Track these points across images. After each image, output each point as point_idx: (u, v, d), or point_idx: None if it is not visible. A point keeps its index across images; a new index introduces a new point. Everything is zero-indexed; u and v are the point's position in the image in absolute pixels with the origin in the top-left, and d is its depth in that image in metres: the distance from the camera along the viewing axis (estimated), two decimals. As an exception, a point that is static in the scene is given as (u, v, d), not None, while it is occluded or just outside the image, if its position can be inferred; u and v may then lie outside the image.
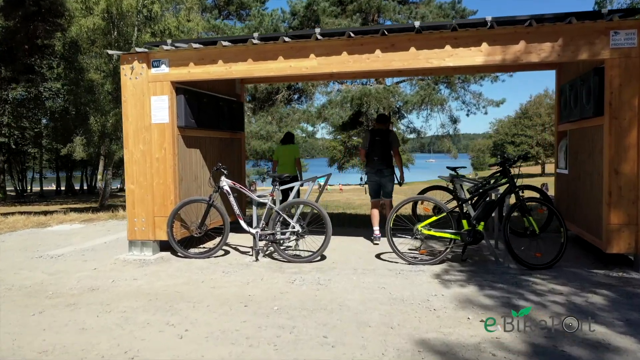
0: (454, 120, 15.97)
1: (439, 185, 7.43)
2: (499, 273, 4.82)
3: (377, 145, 6.51)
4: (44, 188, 48.04)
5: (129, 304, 4.03)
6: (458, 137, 17.63)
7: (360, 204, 29.89)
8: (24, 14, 20.37)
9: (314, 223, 5.69)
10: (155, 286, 4.56)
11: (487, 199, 5.52)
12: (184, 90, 5.86)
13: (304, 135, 32.63)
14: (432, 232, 5.21)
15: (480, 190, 5.27)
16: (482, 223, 5.12)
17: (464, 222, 5.20)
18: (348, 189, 48.33)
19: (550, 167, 59.09)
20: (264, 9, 18.61)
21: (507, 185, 5.15)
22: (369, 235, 7.10)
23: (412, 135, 17.19)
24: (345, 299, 4.03)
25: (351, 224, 8.30)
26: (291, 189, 6.14)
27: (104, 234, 7.59)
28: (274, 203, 5.69)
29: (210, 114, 6.48)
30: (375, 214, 6.68)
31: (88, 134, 22.88)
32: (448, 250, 5.18)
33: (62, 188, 46.04)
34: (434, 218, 5.21)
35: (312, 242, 5.60)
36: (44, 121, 28.36)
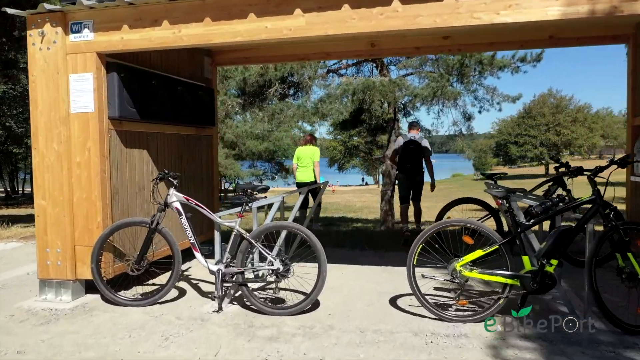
0: (468, 117, 14.20)
1: (467, 198, 5.73)
2: (586, 342, 3.10)
3: (410, 152, 6.67)
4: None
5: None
6: (470, 135, 15.88)
7: (361, 206, 28.38)
8: (-3, 2, 18.71)
9: (302, 253, 4.00)
10: (42, 370, 2.85)
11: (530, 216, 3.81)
12: (119, 66, 4.15)
13: (302, 134, 30.88)
14: (476, 275, 3.48)
15: (550, 212, 3.51)
16: (555, 261, 3.40)
17: (525, 259, 3.48)
18: (348, 190, 46.67)
19: (553, 168, 57.51)
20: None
21: (592, 204, 3.41)
22: (376, 260, 5.47)
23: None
24: (349, 415, 2.31)
25: (354, 242, 6.57)
26: (311, 198, 4.80)
27: (34, 260, 5.85)
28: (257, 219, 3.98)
29: (163, 101, 4.76)
30: (405, 213, 6.92)
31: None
32: (501, 302, 3.45)
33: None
34: (479, 253, 3.49)
35: (299, 272, 3.89)
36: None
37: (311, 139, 8.17)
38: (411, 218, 7.16)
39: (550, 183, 5.16)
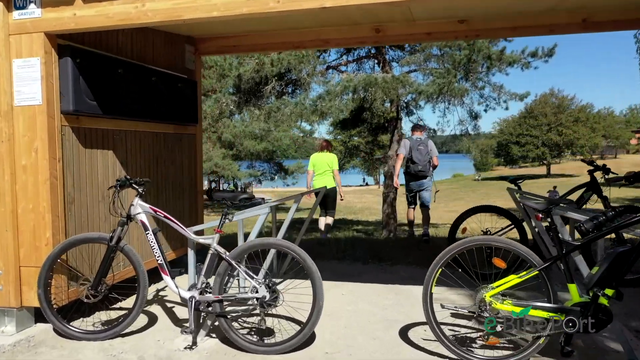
0: (475, 116, 13.49)
1: (484, 206, 5.03)
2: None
3: (418, 153, 6.73)
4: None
5: None
6: (476, 135, 15.19)
7: (362, 207, 27.66)
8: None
9: (295, 268, 3.32)
10: None
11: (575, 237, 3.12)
12: (74, 50, 3.45)
13: (301, 134, 30.09)
14: (510, 307, 2.79)
15: (605, 229, 2.80)
16: (610, 291, 2.70)
17: (572, 287, 2.79)
18: (348, 191, 45.88)
19: (555, 168, 56.76)
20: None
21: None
22: (381, 277, 4.78)
23: (423, 134, 14.71)
24: None
25: (355, 254, 5.87)
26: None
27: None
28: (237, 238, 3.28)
29: (133, 94, 4.07)
30: (412, 216, 7.07)
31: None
32: (542, 341, 2.76)
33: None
34: (514, 280, 2.79)
35: (291, 290, 3.20)
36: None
37: (327, 145, 7.98)
38: (418, 220, 7.19)
39: (584, 189, 4.47)
